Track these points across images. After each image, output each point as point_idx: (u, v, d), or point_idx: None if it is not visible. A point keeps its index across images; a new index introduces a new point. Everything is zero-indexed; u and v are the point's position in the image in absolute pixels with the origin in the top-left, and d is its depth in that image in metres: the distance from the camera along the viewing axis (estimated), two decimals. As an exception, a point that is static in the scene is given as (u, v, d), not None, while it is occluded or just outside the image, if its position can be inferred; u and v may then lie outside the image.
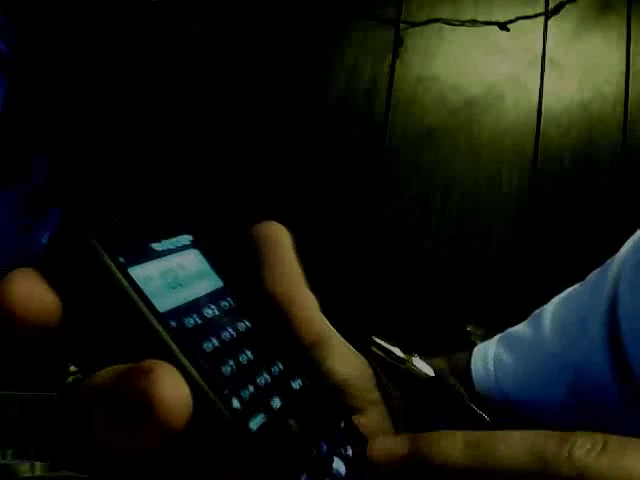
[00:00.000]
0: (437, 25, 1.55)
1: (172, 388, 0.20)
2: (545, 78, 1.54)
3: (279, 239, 0.29)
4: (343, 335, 0.30)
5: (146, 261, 0.25)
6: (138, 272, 0.24)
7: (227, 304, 0.28)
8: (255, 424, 0.23)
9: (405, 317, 1.42)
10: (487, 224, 1.49)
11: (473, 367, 0.48)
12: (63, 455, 0.22)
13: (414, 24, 1.55)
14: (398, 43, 1.55)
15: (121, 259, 0.23)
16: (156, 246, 0.26)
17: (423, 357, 0.38)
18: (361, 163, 1.51)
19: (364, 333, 0.36)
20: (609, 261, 0.44)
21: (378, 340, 0.37)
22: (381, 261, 1.47)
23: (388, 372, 0.34)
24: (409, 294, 1.46)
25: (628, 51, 1.54)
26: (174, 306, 0.25)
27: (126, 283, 0.23)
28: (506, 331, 0.49)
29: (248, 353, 0.26)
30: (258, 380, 0.25)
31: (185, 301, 0.25)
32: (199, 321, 0.25)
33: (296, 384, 0.27)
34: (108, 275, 0.23)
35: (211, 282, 0.28)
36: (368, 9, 1.56)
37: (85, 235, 0.23)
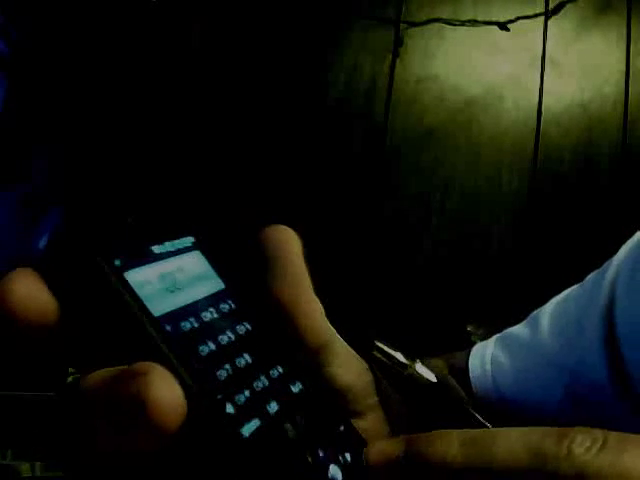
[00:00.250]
0: (437, 25, 1.55)
1: (165, 390, 0.21)
2: (545, 78, 1.54)
3: (289, 243, 0.29)
4: (345, 338, 0.30)
5: (144, 264, 0.25)
6: (135, 276, 0.24)
7: (227, 307, 0.27)
8: (249, 430, 0.23)
9: (405, 317, 1.42)
10: (487, 224, 1.49)
11: (471, 367, 0.48)
12: (62, 455, 0.23)
13: (414, 24, 1.55)
14: (398, 43, 1.55)
15: (117, 262, 0.24)
16: (157, 248, 0.26)
17: (425, 362, 0.38)
18: (361, 163, 1.51)
19: (367, 337, 0.36)
20: (607, 263, 0.44)
21: (381, 345, 0.37)
22: (381, 261, 1.47)
23: (390, 377, 0.34)
24: (409, 294, 1.46)
25: (628, 51, 1.54)
26: (170, 310, 0.25)
27: (120, 287, 0.23)
28: (504, 331, 0.49)
29: (246, 356, 0.26)
30: (255, 384, 0.25)
31: (182, 304, 0.25)
32: (196, 324, 0.25)
33: (296, 388, 0.27)
34: (103, 279, 0.23)
35: (212, 284, 0.28)
36: (368, 9, 1.56)
37: (82, 238, 0.23)
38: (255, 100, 1.51)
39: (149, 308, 0.24)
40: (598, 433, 0.22)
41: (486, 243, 1.48)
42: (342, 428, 0.27)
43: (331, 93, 1.53)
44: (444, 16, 1.56)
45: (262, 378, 0.26)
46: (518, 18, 1.55)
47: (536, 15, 1.55)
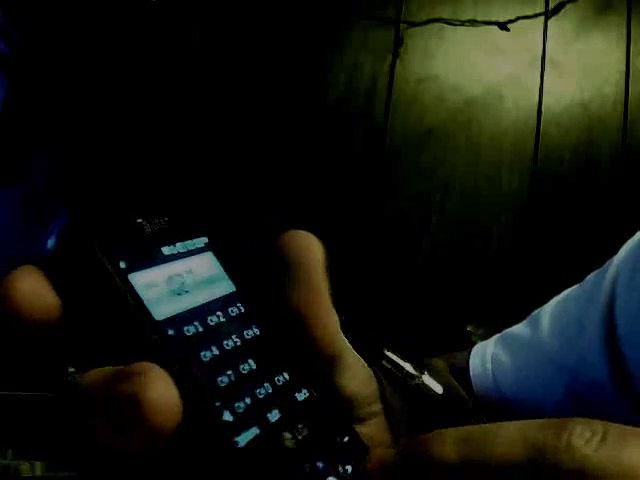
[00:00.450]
0: (437, 25, 1.55)
1: (160, 391, 0.20)
2: (545, 78, 1.54)
3: (311, 251, 0.27)
4: (355, 345, 0.30)
5: (152, 266, 0.25)
6: (140, 278, 0.24)
7: (236, 310, 0.27)
8: (245, 438, 0.23)
9: (405, 317, 1.42)
10: (487, 224, 1.49)
11: (471, 366, 0.48)
12: (61, 453, 0.23)
13: (414, 24, 1.55)
14: (398, 43, 1.55)
15: (123, 264, 0.23)
16: (167, 250, 0.26)
17: (433, 374, 0.38)
18: (361, 163, 1.51)
19: (377, 346, 0.36)
20: (607, 263, 0.45)
21: (390, 355, 0.37)
22: (381, 261, 1.47)
23: (397, 387, 0.34)
24: (409, 294, 1.46)
25: (628, 51, 1.54)
26: (174, 313, 0.24)
27: (123, 290, 0.23)
28: (504, 331, 0.49)
29: (251, 362, 0.25)
30: (258, 391, 0.25)
31: (188, 307, 0.25)
32: (201, 328, 0.25)
33: (302, 396, 0.26)
34: (105, 281, 0.23)
35: (222, 287, 0.27)
36: (368, 9, 1.56)
37: (87, 239, 0.23)
38: (255, 100, 1.51)
39: (151, 311, 0.23)
40: (597, 425, 0.21)
41: (486, 243, 1.48)
42: (347, 439, 0.26)
43: (331, 93, 1.53)
44: (444, 16, 1.56)
45: (266, 385, 0.25)
46: (518, 18, 1.55)
47: (536, 15, 1.55)
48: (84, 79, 1.40)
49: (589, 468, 0.20)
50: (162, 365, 0.22)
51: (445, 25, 1.55)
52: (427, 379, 0.37)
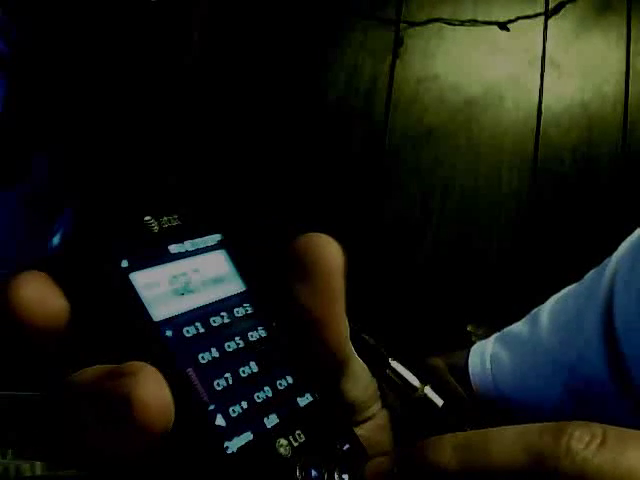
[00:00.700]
0: (437, 25, 1.55)
1: (151, 390, 0.20)
2: (545, 78, 1.54)
3: (332, 256, 0.26)
4: (360, 351, 0.30)
5: (156, 265, 0.24)
6: (141, 277, 0.23)
7: (243, 310, 0.26)
8: (237, 444, 0.22)
9: (405, 317, 1.42)
10: (487, 224, 1.49)
11: (470, 365, 0.48)
12: (56, 453, 0.22)
13: (414, 24, 1.55)
14: (398, 43, 1.55)
15: (124, 264, 0.23)
16: (175, 248, 0.25)
17: (435, 388, 0.38)
18: (361, 163, 1.51)
19: (382, 355, 0.36)
20: (606, 260, 0.45)
21: (395, 365, 0.37)
22: (381, 261, 1.47)
23: (399, 397, 0.34)
24: (409, 294, 1.46)
25: (628, 51, 1.54)
26: (175, 314, 0.24)
27: (121, 290, 0.23)
28: (504, 330, 0.49)
29: (253, 365, 0.25)
30: (256, 395, 0.24)
31: (191, 308, 0.25)
32: (202, 330, 0.24)
33: (304, 400, 0.26)
34: (104, 281, 0.23)
35: (230, 286, 0.27)
36: (368, 9, 1.56)
37: (88, 238, 0.23)
38: (255, 100, 1.51)
39: (150, 312, 0.23)
40: (596, 428, 0.21)
41: (486, 243, 1.48)
42: (347, 446, 0.26)
43: (331, 93, 1.53)
44: (444, 16, 1.56)
45: (266, 389, 0.25)
46: (518, 18, 1.55)
47: (536, 15, 1.55)
48: (84, 79, 1.40)
49: (589, 472, 0.20)
50: (157, 366, 0.21)
51: (445, 25, 1.55)
52: (429, 392, 0.37)
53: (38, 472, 0.87)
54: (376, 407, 0.31)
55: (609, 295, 0.42)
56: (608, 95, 1.52)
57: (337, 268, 0.26)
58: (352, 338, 0.28)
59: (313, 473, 0.24)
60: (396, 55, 1.54)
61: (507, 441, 0.21)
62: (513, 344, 0.47)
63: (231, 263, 0.27)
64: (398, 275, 1.47)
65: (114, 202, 0.25)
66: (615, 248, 0.45)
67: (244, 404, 0.24)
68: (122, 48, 1.44)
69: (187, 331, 0.24)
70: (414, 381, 0.36)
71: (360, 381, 0.30)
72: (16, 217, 1.27)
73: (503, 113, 1.53)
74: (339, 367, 0.28)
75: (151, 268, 0.24)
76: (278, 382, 0.25)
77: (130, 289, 0.23)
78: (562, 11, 1.55)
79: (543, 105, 1.52)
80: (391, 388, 0.34)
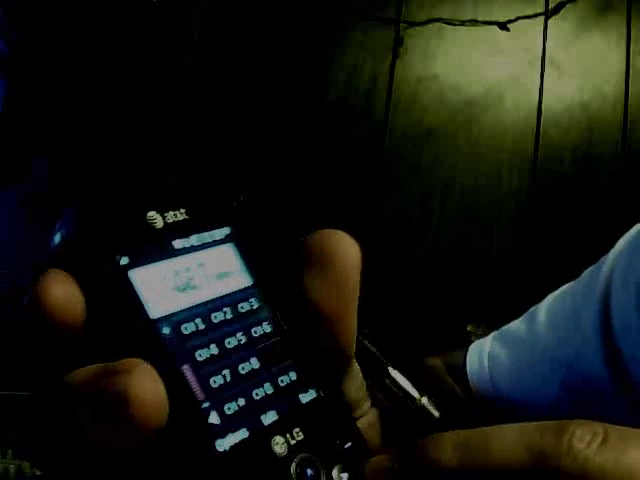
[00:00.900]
0: (437, 25, 1.55)
1: (146, 387, 0.20)
2: (545, 78, 1.54)
3: (349, 253, 0.26)
4: (361, 359, 0.30)
5: (157, 261, 0.24)
6: (141, 274, 0.23)
7: (248, 305, 0.26)
8: (230, 442, 0.22)
9: (405, 316, 1.42)
10: (487, 224, 1.49)
11: (468, 364, 0.48)
12: (48, 454, 0.22)
13: (414, 24, 1.55)
14: (398, 43, 1.55)
15: (124, 260, 0.23)
16: (179, 243, 0.25)
17: (432, 399, 0.38)
18: (361, 163, 1.51)
19: (381, 363, 0.36)
20: (603, 258, 0.45)
21: (394, 374, 0.37)
22: (381, 261, 1.47)
23: (396, 406, 0.34)
24: (409, 294, 1.46)
25: (628, 51, 1.54)
26: (174, 310, 0.24)
27: (119, 287, 0.23)
28: (501, 328, 0.49)
29: (254, 361, 0.25)
30: (255, 392, 0.24)
31: (192, 304, 0.24)
32: (201, 326, 0.24)
33: (307, 397, 0.25)
34: (103, 278, 0.23)
35: (236, 281, 0.26)
36: (368, 9, 1.56)
37: (87, 237, 0.23)
38: (255, 100, 1.51)
39: (148, 309, 0.23)
40: (598, 427, 0.21)
41: (486, 242, 1.48)
42: (349, 445, 0.25)
43: (331, 93, 1.53)
44: (444, 16, 1.56)
45: (266, 385, 0.24)
46: (518, 18, 1.55)
47: (536, 15, 1.55)
48: (84, 79, 1.40)
49: (591, 470, 0.20)
50: (153, 363, 0.21)
51: (445, 25, 1.55)
52: (426, 402, 0.37)
53: (38, 472, 0.87)
54: (367, 405, 0.31)
55: (606, 292, 0.42)
56: (608, 95, 1.52)
57: (355, 264, 0.26)
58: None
59: (309, 472, 0.23)
60: (396, 55, 1.54)
61: (508, 439, 0.21)
62: (511, 342, 0.47)
63: (239, 256, 0.27)
64: (398, 274, 1.47)
65: (115, 200, 0.25)
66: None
67: (241, 401, 0.23)
68: (122, 48, 1.44)
69: (185, 328, 0.24)
70: (413, 392, 0.37)
71: (357, 379, 0.30)
72: (16, 217, 1.27)
73: (503, 113, 1.53)
74: (345, 364, 0.28)
75: (152, 265, 0.24)
76: (280, 378, 0.25)
77: (128, 287, 0.23)
78: (562, 11, 1.55)
79: (543, 105, 1.52)
80: (389, 396, 0.34)
